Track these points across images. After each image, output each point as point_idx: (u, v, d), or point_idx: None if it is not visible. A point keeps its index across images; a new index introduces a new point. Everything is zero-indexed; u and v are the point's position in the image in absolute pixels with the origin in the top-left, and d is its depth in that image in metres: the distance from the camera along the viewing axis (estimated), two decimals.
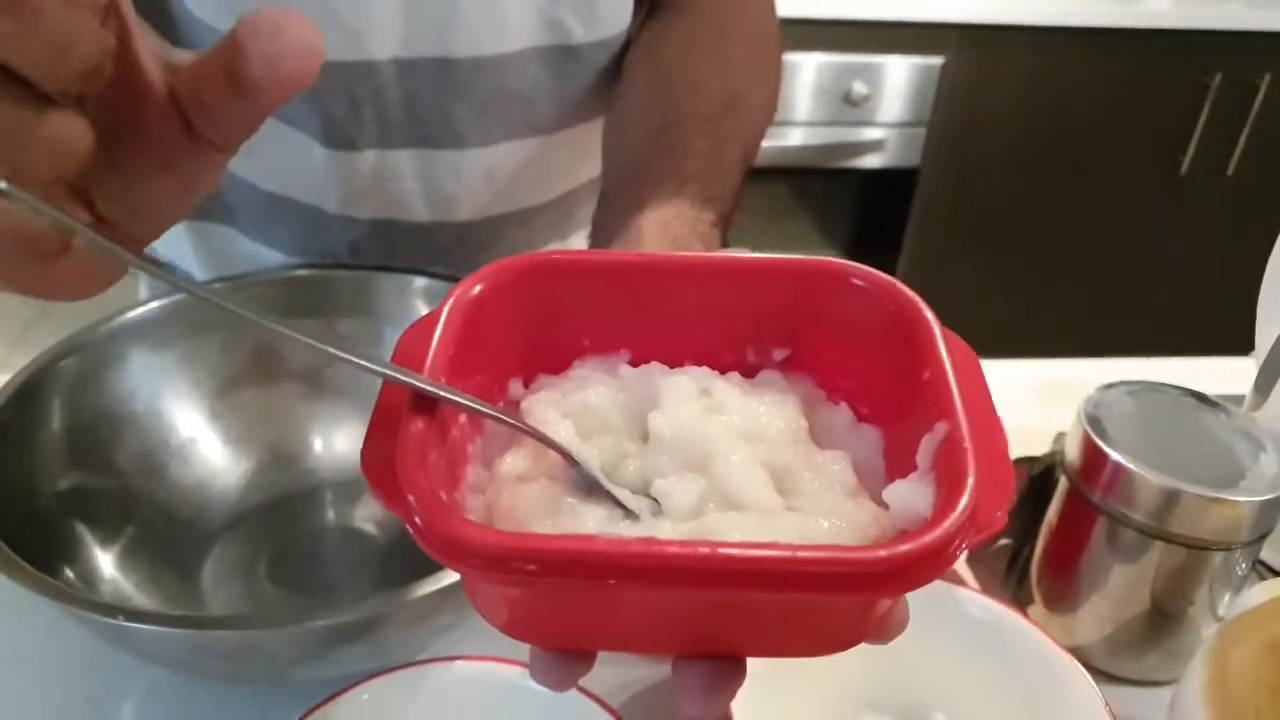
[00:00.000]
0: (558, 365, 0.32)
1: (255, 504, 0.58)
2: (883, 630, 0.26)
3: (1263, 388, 0.59)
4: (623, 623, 0.27)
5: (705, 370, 0.31)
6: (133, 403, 0.55)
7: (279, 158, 0.61)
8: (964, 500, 0.23)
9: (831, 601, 0.24)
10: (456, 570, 0.24)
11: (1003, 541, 0.59)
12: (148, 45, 0.23)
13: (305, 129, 0.59)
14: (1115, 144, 2.04)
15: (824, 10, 1.81)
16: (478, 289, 0.29)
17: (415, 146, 0.61)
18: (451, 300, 0.29)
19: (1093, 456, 0.49)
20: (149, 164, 0.24)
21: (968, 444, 0.25)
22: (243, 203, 0.65)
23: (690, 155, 0.51)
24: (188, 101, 0.24)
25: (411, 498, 0.24)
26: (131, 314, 0.56)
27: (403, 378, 0.25)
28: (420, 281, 0.61)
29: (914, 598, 0.25)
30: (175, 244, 0.69)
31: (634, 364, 0.31)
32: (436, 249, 0.64)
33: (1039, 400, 0.72)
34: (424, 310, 0.57)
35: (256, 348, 0.58)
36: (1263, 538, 0.48)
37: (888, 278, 0.30)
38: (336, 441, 0.60)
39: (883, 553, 0.22)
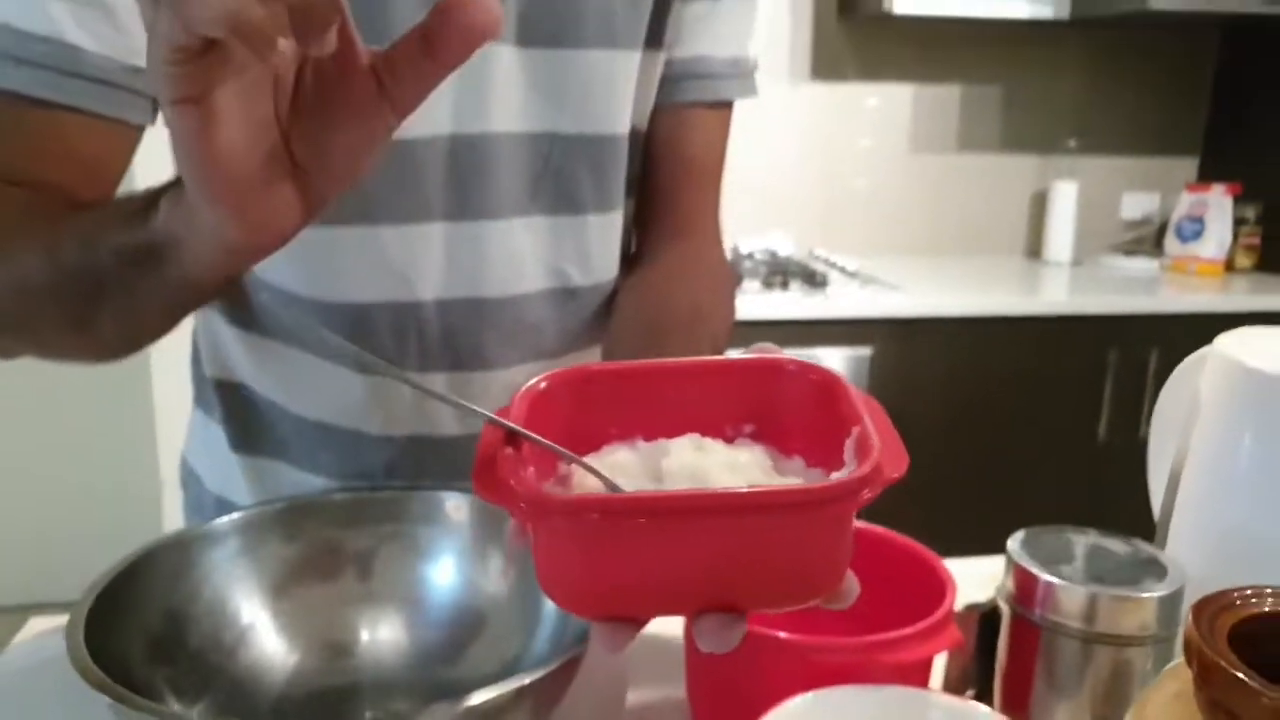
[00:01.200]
0: (592, 448, 0.44)
1: (302, 693, 0.65)
2: (840, 594, 0.38)
3: (1160, 541, 0.70)
4: (652, 584, 0.37)
5: (697, 435, 0.44)
6: (205, 591, 0.63)
7: (328, 390, 0.73)
8: (872, 456, 0.36)
9: (800, 525, 0.36)
10: (546, 525, 0.36)
11: (969, 692, 0.67)
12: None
13: (351, 361, 0.70)
14: (1036, 415, 2.24)
15: (759, 313, 2.05)
16: (543, 385, 0.43)
17: (449, 370, 0.73)
18: (524, 391, 0.42)
19: (1025, 580, 0.59)
20: (345, 117, 0.37)
21: (873, 436, 0.38)
22: (292, 435, 0.76)
23: (668, 350, 0.65)
24: (384, 67, 0.36)
25: (513, 481, 0.35)
26: (207, 526, 0.66)
27: (505, 422, 0.38)
28: (448, 496, 0.71)
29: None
30: (231, 481, 0.79)
31: (646, 440, 0.45)
32: (460, 462, 0.74)
33: (985, 584, 0.81)
34: (454, 520, 0.69)
35: (314, 546, 0.67)
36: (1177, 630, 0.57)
37: (809, 362, 0.45)
38: (381, 634, 0.68)
39: (819, 484, 0.36)
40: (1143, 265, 2.63)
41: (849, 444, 0.39)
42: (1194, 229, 2.59)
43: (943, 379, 2.17)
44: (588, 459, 0.43)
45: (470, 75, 0.67)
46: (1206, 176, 2.77)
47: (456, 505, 0.70)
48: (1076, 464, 2.27)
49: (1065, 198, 2.65)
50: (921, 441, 2.22)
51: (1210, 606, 0.42)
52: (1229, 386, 0.64)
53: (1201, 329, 0.75)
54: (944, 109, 2.70)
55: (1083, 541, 0.62)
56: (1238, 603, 0.43)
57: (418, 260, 0.70)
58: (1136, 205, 2.83)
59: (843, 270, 2.37)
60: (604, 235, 0.76)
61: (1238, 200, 2.55)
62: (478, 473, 0.37)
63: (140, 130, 0.64)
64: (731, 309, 0.79)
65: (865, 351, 2.14)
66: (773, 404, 0.45)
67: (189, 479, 0.86)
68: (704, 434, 0.44)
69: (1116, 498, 2.28)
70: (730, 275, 0.82)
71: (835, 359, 2.11)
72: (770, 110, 2.58)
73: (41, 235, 0.55)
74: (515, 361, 0.74)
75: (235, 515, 0.67)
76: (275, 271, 0.70)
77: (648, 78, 0.75)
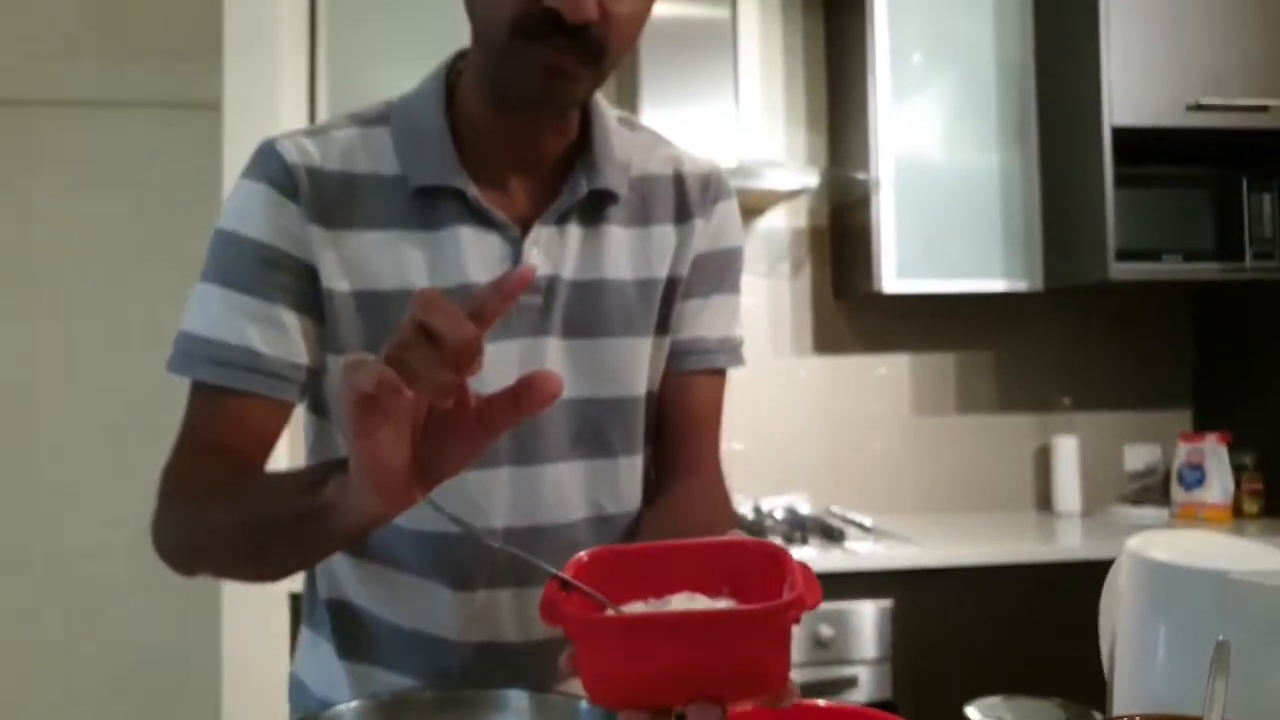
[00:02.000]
0: (618, 602, 0.61)
1: None
2: (783, 695, 0.54)
3: (1109, 708, 0.80)
4: (653, 680, 0.53)
5: (689, 591, 0.62)
6: None
7: (419, 603, 0.90)
8: (797, 592, 0.53)
9: (745, 636, 0.51)
10: (583, 639, 0.53)
11: None
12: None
13: (440, 579, 0.88)
14: (1057, 659, 2.27)
15: None
16: (585, 557, 0.62)
17: (513, 586, 0.90)
18: (573, 560, 0.61)
19: None
20: (455, 441, 0.58)
21: (800, 581, 0.55)
22: (387, 641, 0.91)
23: None
24: (484, 409, 0.57)
25: (566, 610, 0.52)
26: (330, 710, 0.78)
27: (562, 575, 0.56)
28: (515, 695, 0.84)
29: None
30: (335, 686, 0.94)
31: (656, 597, 0.62)
32: (520, 666, 0.90)
33: None
34: (520, 712, 0.82)
35: None
36: None
37: (763, 540, 0.64)
38: None
39: (764, 605, 0.52)
40: (1153, 513, 2.72)
41: (785, 588, 0.58)
42: (1195, 476, 2.71)
43: (963, 627, 2.23)
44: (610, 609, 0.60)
45: (530, 361, 0.88)
46: (1201, 426, 2.93)
47: (519, 698, 0.83)
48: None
49: (1067, 452, 2.80)
50: (945, 688, 2.25)
51: None
52: (1136, 576, 0.77)
53: None
54: (941, 375, 2.92)
55: (1043, 712, 0.73)
56: None
57: (491, 497, 0.88)
58: (1138, 456, 2.97)
59: (859, 526, 2.49)
60: (630, 474, 0.95)
61: (1231, 448, 2.69)
62: (544, 608, 0.56)
63: (293, 407, 0.88)
64: (732, 524, 0.95)
65: (886, 603, 2.22)
66: (741, 569, 0.64)
67: (296, 690, 1.00)
68: (694, 591, 0.61)
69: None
70: (729, 499, 1.00)
71: (858, 611, 2.20)
72: (779, 382, 2.82)
73: (235, 494, 0.78)
74: None
75: (348, 705, 0.79)
76: None
77: (658, 354, 0.96)
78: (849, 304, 2.87)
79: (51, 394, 2.79)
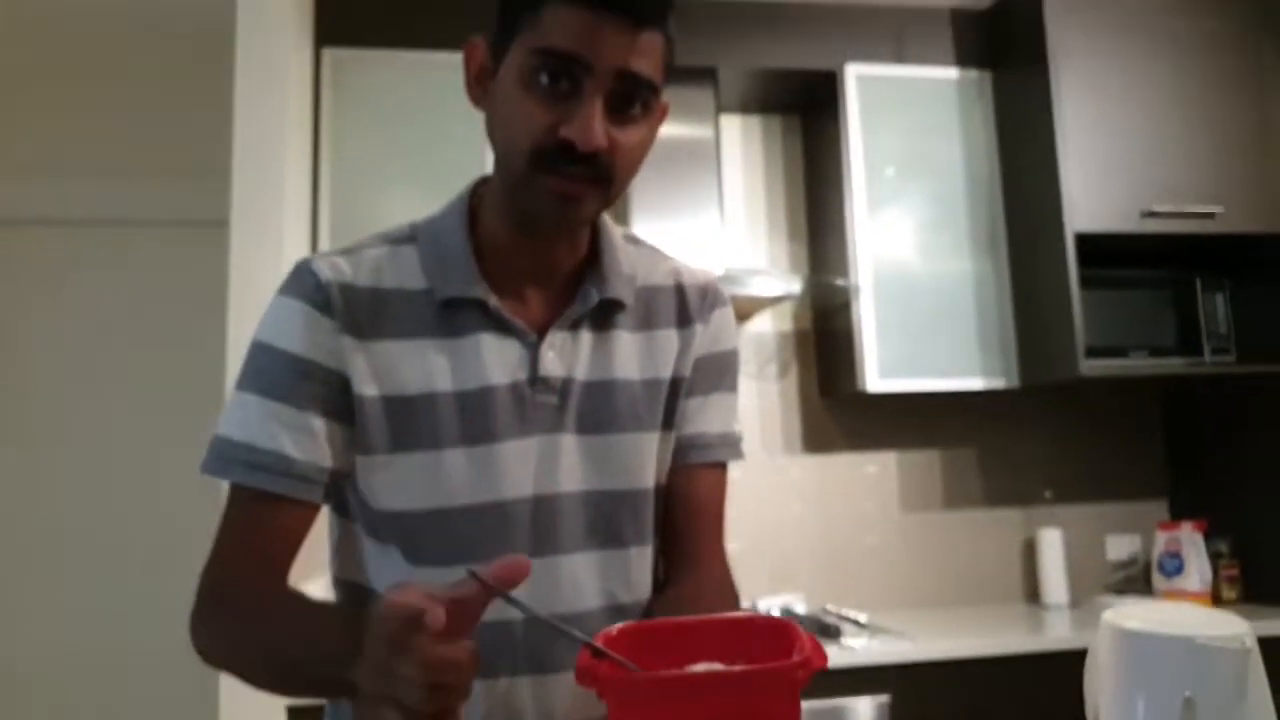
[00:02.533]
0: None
1: None
2: None
3: None
4: None
5: (707, 661, 0.70)
6: None
7: None
8: (805, 654, 0.62)
9: (765, 690, 0.59)
10: (612, 697, 0.60)
11: None
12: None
13: None
14: None
15: None
16: (615, 631, 0.70)
17: (533, 673, 0.94)
18: (603, 632, 0.68)
19: None
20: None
21: (806, 646, 0.63)
22: None
23: None
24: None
25: (599, 673, 0.60)
26: None
27: (596, 644, 0.63)
28: None
29: None
30: None
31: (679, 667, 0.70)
32: None
33: None
34: None
35: None
36: None
37: (773, 616, 0.75)
38: None
39: (778, 664, 0.61)
40: (1137, 602, 2.80)
41: (795, 652, 0.66)
42: (1174, 564, 2.79)
43: (960, 718, 2.28)
44: None
45: (546, 456, 0.96)
46: (1177, 515, 3.02)
47: None
48: None
49: (1052, 545, 2.88)
50: None
51: None
52: (1113, 645, 0.85)
53: None
54: (927, 471, 3.01)
55: None
56: None
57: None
58: (1120, 547, 3.05)
59: (854, 622, 2.54)
60: (641, 564, 1.01)
61: (1207, 536, 2.78)
62: (579, 672, 0.65)
63: (318, 509, 0.95)
64: (735, 608, 1.02)
65: (884, 698, 2.26)
66: (754, 642, 0.72)
67: None
68: (711, 660, 0.70)
69: None
70: (734, 589, 1.05)
71: (856, 708, 2.24)
72: (771, 481, 2.90)
73: (265, 621, 0.88)
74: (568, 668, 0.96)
75: None
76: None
77: (664, 450, 1.04)
78: (835, 403, 2.97)
79: (48, 521, 2.83)
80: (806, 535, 2.91)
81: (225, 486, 0.94)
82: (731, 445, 1.08)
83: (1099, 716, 0.86)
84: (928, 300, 2.75)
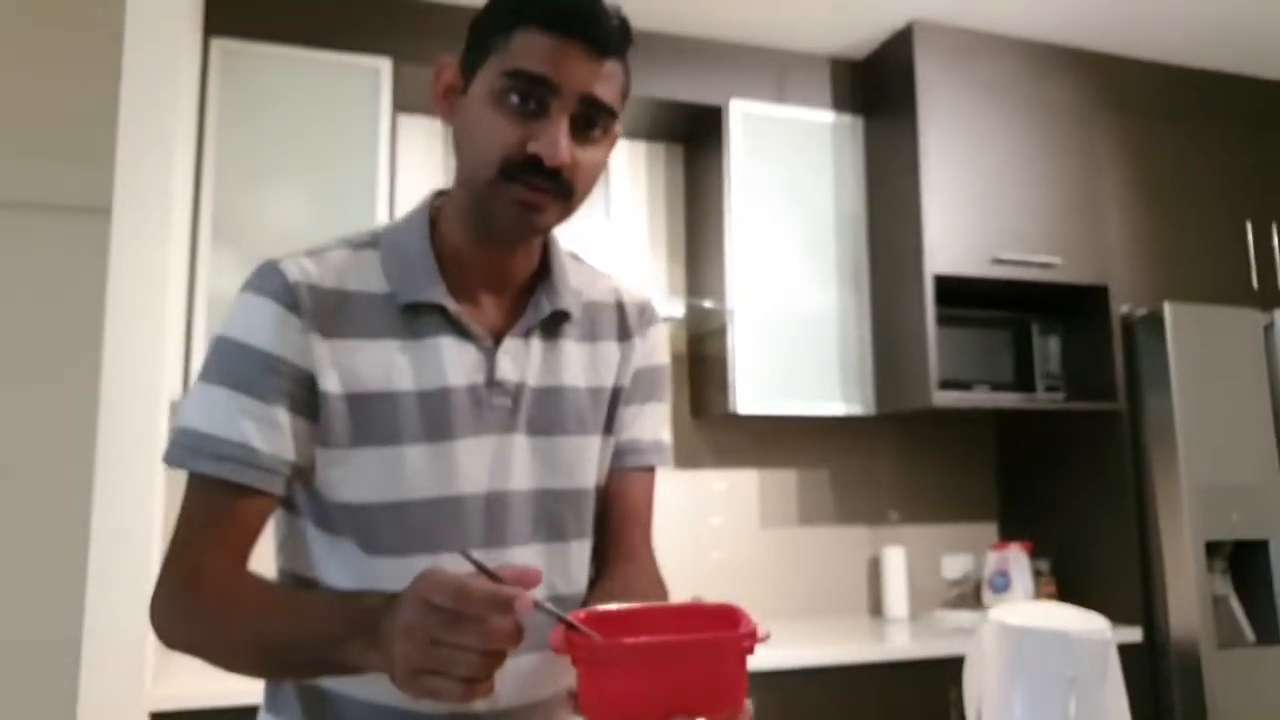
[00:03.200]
0: None
1: None
2: (740, 714, 0.70)
3: None
4: (644, 700, 0.69)
5: None
6: None
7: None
8: (749, 629, 0.71)
9: (721, 658, 0.70)
10: (595, 663, 0.70)
11: None
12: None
13: None
14: None
15: None
16: (582, 614, 0.78)
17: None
18: (572, 614, 0.76)
19: None
20: None
21: (750, 624, 0.73)
22: (361, 718, 0.98)
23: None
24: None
25: (581, 642, 0.69)
26: None
27: (570, 619, 0.73)
28: None
29: None
30: None
31: None
32: None
33: None
34: None
35: None
36: None
37: (725, 604, 0.81)
38: None
39: (729, 633, 0.72)
40: (968, 616, 3.03)
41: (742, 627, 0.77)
42: (1002, 582, 3.04)
43: None
44: None
45: (499, 455, 1.01)
46: (1006, 537, 3.29)
47: None
48: None
49: (895, 562, 3.09)
50: None
51: None
52: (997, 639, 0.98)
53: None
54: (784, 490, 3.18)
55: None
56: None
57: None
58: (955, 565, 3.30)
59: None
60: (580, 558, 1.08)
61: (1032, 555, 3.05)
62: (554, 643, 0.75)
63: (277, 501, 0.97)
64: (665, 598, 1.10)
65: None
66: (703, 623, 0.81)
67: None
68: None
69: None
70: (662, 580, 1.14)
71: None
72: None
73: (251, 605, 0.91)
74: (526, 650, 1.01)
75: None
76: (377, 581, 0.96)
77: (605, 453, 1.11)
78: (705, 423, 3.10)
79: None
80: (674, 548, 3.02)
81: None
82: (662, 452, 1.16)
83: (982, 704, 0.99)
84: (795, 329, 2.91)
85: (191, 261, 2.43)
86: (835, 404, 2.93)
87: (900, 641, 2.72)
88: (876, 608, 3.17)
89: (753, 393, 2.84)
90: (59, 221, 2.74)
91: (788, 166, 2.98)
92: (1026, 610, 1.00)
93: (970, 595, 3.26)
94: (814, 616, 3.09)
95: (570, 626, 0.76)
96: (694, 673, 0.71)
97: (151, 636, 2.00)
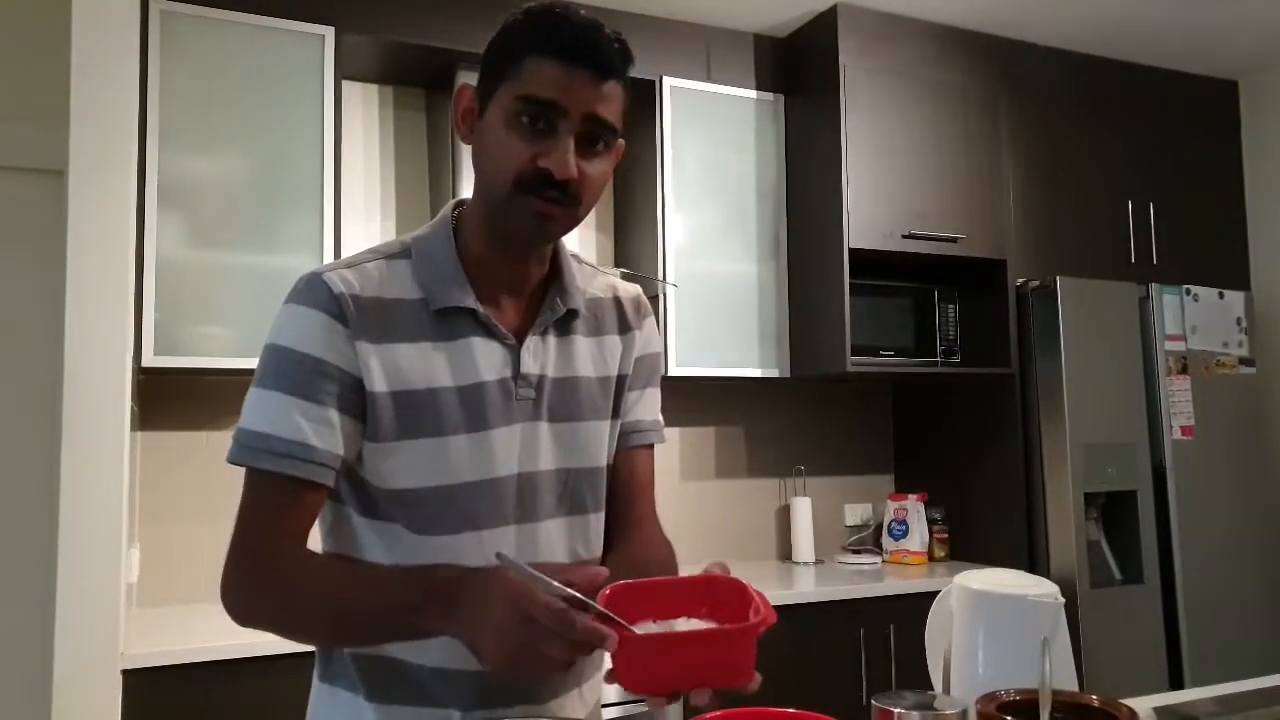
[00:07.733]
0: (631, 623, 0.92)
1: None
2: (750, 687, 0.90)
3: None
4: (667, 675, 0.87)
5: (685, 616, 0.96)
6: None
7: (448, 646, 1.06)
8: (761, 615, 0.90)
9: (734, 644, 0.87)
10: (635, 650, 0.87)
11: None
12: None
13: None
14: (808, 688, 2.74)
15: None
16: (609, 590, 0.94)
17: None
18: (602, 594, 0.92)
19: (884, 714, 1.06)
20: None
21: (761, 607, 0.92)
22: (415, 679, 1.09)
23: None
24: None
25: (609, 628, 0.86)
26: None
27: (600, 607, 0.89)
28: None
29: None
30: None
31: (656, 620, 0.95)
32: (520, 688, 1.12)
33: None
34: None
35: None
36: None
37: (736, 579, 0.98)
38: None
39: (744, 625, 0.89)
40: (869, 560, 3.31)
41: (751, 611, 0.92)
42: (900, 530, 3.33)
43: None
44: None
45: (527, 441, 1.15)
46: (902, 489, 3.58)
47: None
48: None
49: (803, 511, 3.35)
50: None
51: (987, 700, 0.93)
52: (962, 602, 1.18)
53: (923, 605, 1.30)
54: (703, 446, 3.38)
55: (910, 694, 1.11)
56: (1001, 695, 0.94)
57: (501, 549, 1.11)
58: (856, 514, 3.58)
59: None
60: (598, 528, 1.22)
61: (927, 505, 3.34)
62: (609, 644, 0.88)
63: (329, 494, 1.09)
64: (673, 558, 1.27)
65: None
66: (717, 597, 0.98)
67: None
68: (689, 616, 0.96)
69: None
70: (668, 543, 1.30)
71: None
72: None
73: (326, 580, 1.06)
74: None
75: None
76: (428, 557, 1.08)
77: (614, 435, 1.25)
78: None
79: None
80: None
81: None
82: (659, 430, 1.32)
83: (948, 657, 1.18)
84: (718, 297, 3.09)
85: (140, 226, 2.42)
86: (752, 368, 3.12)
87: (807, 584, 2.97)
88: (786, 553, 3.42)
89: (679, 358, 3.01)
90: (14, 181, 2.68)
91: (713, 142, 3.13)
92: (986, 576, 1.20)
93: (869, 540, 3.55)
94: (729, 561, 3.29)
95: (610, 620, 0.90)
96: (716, 653, 0.88)
97: (123, 595, 2.06)
